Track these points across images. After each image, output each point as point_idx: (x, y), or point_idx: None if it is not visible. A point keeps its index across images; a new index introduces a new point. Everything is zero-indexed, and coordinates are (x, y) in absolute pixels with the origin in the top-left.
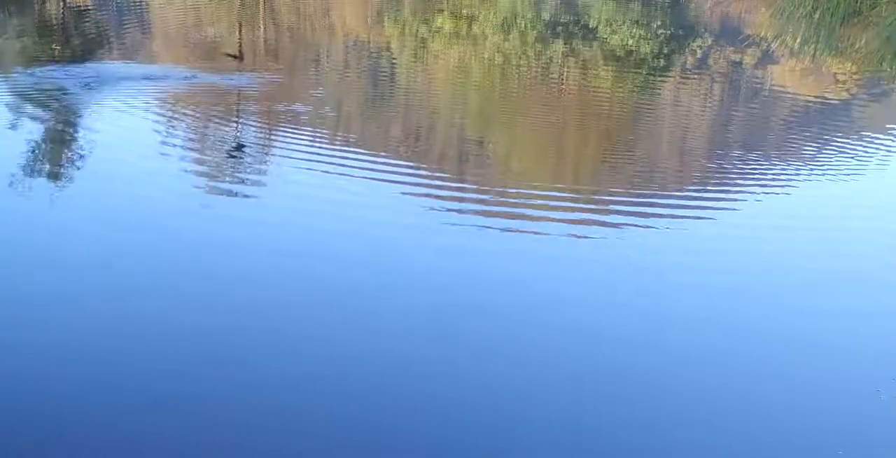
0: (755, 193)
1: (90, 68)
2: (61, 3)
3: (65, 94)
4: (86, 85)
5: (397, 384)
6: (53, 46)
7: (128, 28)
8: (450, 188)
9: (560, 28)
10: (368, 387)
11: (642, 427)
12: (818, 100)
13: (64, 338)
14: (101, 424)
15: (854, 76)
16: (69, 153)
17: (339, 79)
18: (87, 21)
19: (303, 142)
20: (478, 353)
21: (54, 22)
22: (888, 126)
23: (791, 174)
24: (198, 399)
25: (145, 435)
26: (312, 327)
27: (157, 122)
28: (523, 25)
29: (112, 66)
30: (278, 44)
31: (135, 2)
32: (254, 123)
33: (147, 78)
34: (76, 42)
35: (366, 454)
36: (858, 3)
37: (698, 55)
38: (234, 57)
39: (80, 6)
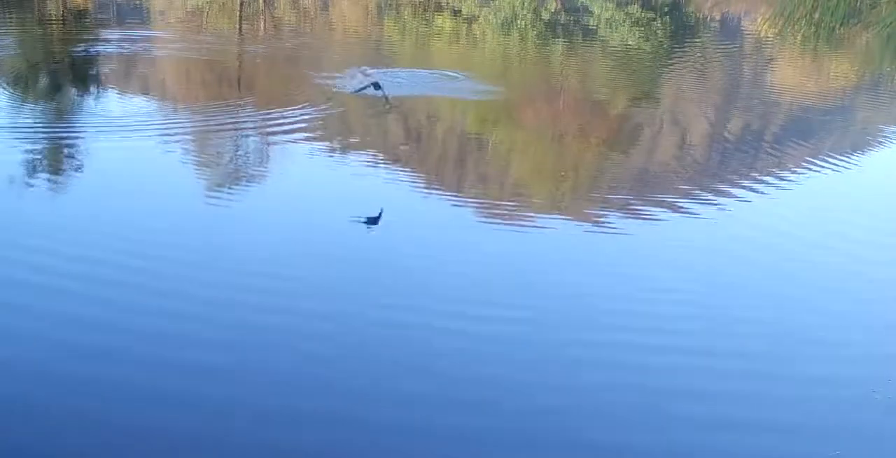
0: (749, 194)
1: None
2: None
3: None
4: None
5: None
6: None
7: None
8: (449, 190)
9: (560, 28)
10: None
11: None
12: (818, 99)
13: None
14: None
15: (854, 76)
16: None
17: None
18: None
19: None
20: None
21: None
22: (888, 125)
23: (790, 174)
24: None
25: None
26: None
27: None
28: (523, 25)
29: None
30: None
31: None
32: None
33: None
34: None
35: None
36: (858, 3)
37: (698, 55)
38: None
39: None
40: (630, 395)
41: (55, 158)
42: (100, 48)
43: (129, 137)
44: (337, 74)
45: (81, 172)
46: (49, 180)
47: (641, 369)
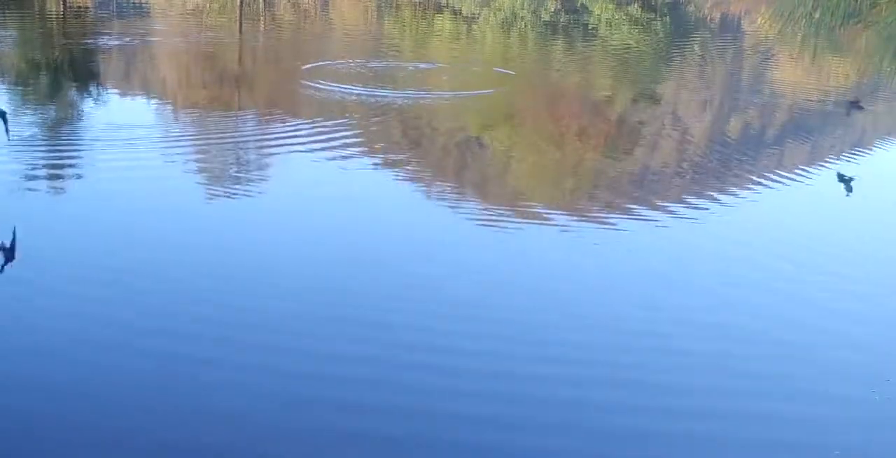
0: (747, 194)
1: None
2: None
3: None
4: None
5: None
6: None
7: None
8: (451, 189)
9: (560, 27)
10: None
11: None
12: (818, 99)
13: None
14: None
15: (853, 76)
16: None
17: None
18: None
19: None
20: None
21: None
22: (888, 124)
23: (788, 174)
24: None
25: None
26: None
27: None
28: (523, 25)
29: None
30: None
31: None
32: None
33: None
34: None
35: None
36: (858, 3)
37: (697, 55)
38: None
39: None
40: (635, 400)
41: (51, 168)
42: (98, 46)
43: (131, 140)
44: (337, 81)
45: (81, 185)
46: (45, 189)
47: (646, 370)
